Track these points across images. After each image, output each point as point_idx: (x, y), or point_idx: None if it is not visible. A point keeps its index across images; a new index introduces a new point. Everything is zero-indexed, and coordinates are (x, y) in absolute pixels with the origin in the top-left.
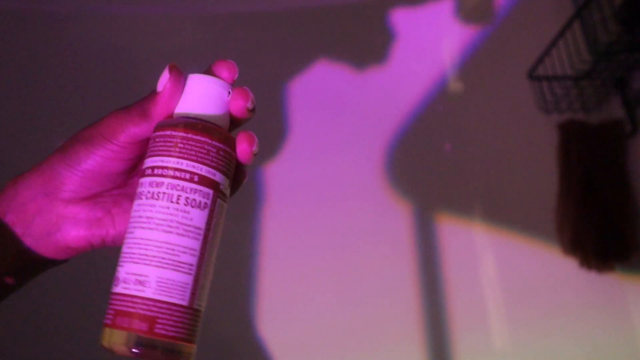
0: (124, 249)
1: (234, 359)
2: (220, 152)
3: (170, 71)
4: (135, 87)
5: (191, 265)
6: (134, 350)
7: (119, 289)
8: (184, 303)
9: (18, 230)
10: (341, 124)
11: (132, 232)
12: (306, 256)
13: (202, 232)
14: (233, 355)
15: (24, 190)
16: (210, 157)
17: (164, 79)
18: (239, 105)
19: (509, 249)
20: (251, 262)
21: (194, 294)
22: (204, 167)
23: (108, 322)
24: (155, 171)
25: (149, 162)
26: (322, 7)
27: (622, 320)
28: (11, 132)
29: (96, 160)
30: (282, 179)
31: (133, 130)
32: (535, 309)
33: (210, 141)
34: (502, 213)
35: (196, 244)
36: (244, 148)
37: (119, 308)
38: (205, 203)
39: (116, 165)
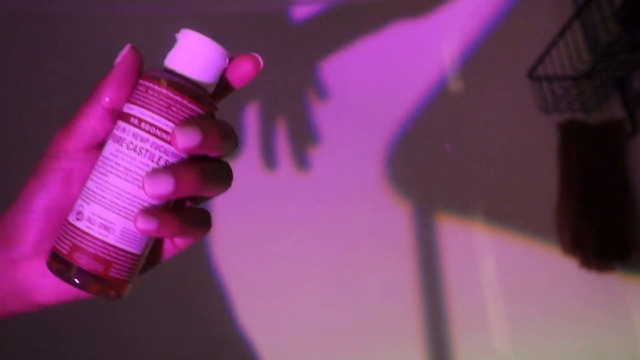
0: (92, 185)
1: None
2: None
3: (130, 49)
4: None
5: None
6: (76, 280)
7: (81, 225)
8: (138, 252)
9: None
10: (341, 123)
11: (104, 175)
12: (305, 255)
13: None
14: (232, 356)
15: None
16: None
17: (122, 53)
18: (247, 70)
19: (509, 249)
20: (250, 262)
21: (147, 244)
22: None
23: (63, 251)
24: (143, 125)
25: (137, 111)
26: (321, 7)
27: (622, 320)
28: (11, 132)
29: (51, 192)
30: (281, 178)
31: (84, 127)
32: (535, 309)
33: (200, 111)
34: (502, 213)
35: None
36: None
37: (78, 244)
38: None
39: (76, 189)
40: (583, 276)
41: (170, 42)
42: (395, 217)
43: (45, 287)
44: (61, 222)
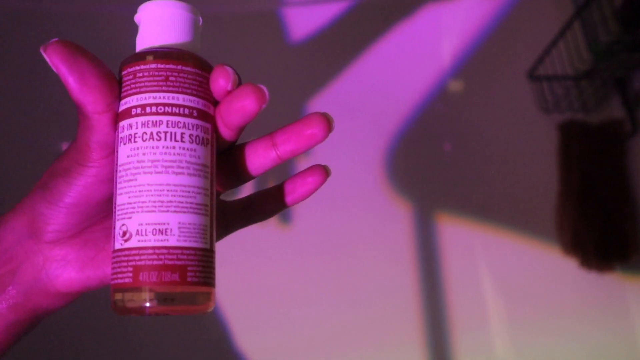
0: (123, 199)
1: None
2: (206, 82)
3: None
4: None
5: (206, 205)
6: (162, 305)
7: (132, 243)
8: (207, 246)
9: (5, 281)
10: (341, 123)
11: (133, 180)
12: (305, 256)
13: (209, 169)
14: (232, 357)
15: (8, 233)
16: (203, 90)
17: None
18: (220, 85)
19: (509, 249)
20: (249, 262)
21: (212, 235)
22: (201, 101)
23: (126, 281)
24: (148, 109)
25: (134, 100)
26: (320, 7)
27: (622, 320)
28: (11, 132)
29: (78, 191)
30: (281, 179)
31: (98, 139)
32: (535, 309)
33: (199, 72)
34: (502, 213)
35: (207, 183)
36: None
37: (140, 263)
38: (207, 139)
39: (100, 191)
40: (583, 276)
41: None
42: (395, 217)
43: (71, 274)
44: (89, 214)
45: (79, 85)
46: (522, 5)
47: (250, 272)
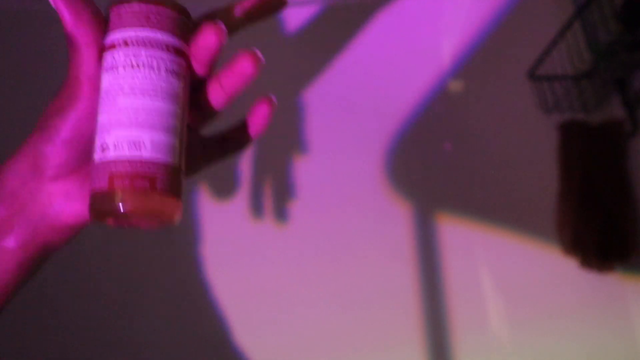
0: (104, 118)
1: None
2: (187, 26)
3: None
4: None
5: (177, 128)
6: (133, 208)
7: (109, 154)
8: (176, 164)
9: (13, 221)
10: (341, 123)
11: (113, 103)
12: (304, 256)
13: (181, 99)
14: (231, 358)
15: (13, 177)
16: (180, 30)
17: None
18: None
19: (509, 249)
20: (249, 262)
21: (180, 155)
22: (176, 40)
23: (103, 188)
24: (130, 41)
25: (117, 35)
26: (318, 7)
27: (622, 320)
28: (11, 132)
29: (72, 125)
30: (280, 179)
31: (86, 71)
32: (535, 309)
33: (179, 16)
34: (502, 213)
35: (179, 109)
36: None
37: (115, 171)
38: (180, 73)
39: (93, 125)
40: (583, 276)
41: None
42: (395, 217)
43: (75, 207)
44: (85, 147)
45: (74, 19)
46: (522, 5)
47: (248, 272)
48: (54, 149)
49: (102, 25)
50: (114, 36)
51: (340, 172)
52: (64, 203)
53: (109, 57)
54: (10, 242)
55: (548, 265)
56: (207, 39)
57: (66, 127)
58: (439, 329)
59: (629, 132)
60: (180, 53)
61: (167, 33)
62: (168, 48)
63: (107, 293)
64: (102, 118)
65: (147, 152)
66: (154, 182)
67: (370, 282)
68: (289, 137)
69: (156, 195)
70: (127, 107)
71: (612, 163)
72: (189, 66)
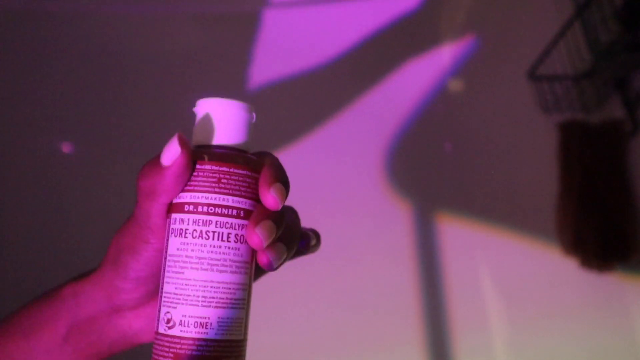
0: (170, 288)
1: None
2: (256, 181)
3: (182, 145)
4: (136, 87)
5: (244, 299)
6: None
7: (175, 331)
8: (241, 337)
9: (90, 342)
10: (341, 123)
11: (180, 273)
12: (304, 256)
13: (249, 265)
14: None
15: (89, 303)
16: (250, 190)
17: (173, 153)
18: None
19: (509, 249)
20: None
21: (246, 325)
22: (248, 201)
23: None
24: (200, 209)
25: (189, 197)
26: (318, 7)
27: (622, 320)
28: (11, 132)
29: (144, 263)
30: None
31: (154, 221)
32: (535, 309)
33: (249, 173)
34: (502, 213)
35: (247, 279)
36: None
37: (180, 352)
38: None
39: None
40: (583, 276)
41: (171, 42)
42: (395, 217)
43: (151, 328)
44: (157, 279)
45: (147, 172)
46: (523, 5)
47: None
48: (129, 286)
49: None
50: (185, 197)
51: (340, 172)
52: (142, 324)
53: (177, 219)
54: (83, 354)
55: (548, 265)
56: (269, 206)
57: (139, 267)
58: (438, 328)
59: (629, 132)
60: (249, 213)
61: (238, 197)
62: (239, 213)
63: None
64: (168, 287)
65: (213, 332)
66: None
67: (370, 282)
68: (288, 137)
69: None
70: (195, 281)
71: (612, 163)
72: None
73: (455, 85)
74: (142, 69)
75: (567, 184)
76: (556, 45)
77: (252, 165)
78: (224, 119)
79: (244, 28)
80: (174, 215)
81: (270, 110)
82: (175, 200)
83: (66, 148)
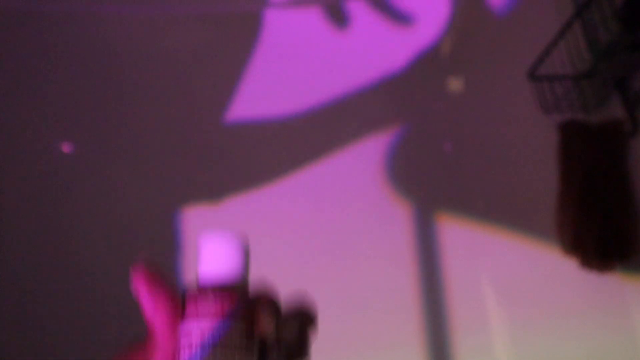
0: None
1: None
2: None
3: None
4: (136, 87)
5: None
6: None
7: None
8: None
9: None
10: (341, 123)
11: None
12: (304, 256)
13: None
14: None
15: None
16: (250, 313)
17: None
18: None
19: (509, 249)
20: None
21: None
22: (249, 324)
23: None
24: (206, 339)
25: (194, 325)
26: (317, 7)
27: (623, 320)
28: (11, 132)
29: None
30: (281, 179)
31: (164, 354)
32: (535, 310)
33: (250, 300)
34: (502, 213)
35: None
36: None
37: None
38: (252, 349)
39: None
40: (583, 276)
41: (171, 42)
42: (395, 217)
43: None
44: None
45: (153, 307)
46: (522, 5)
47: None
48: None
49: (179, 309)
50: (190, 327)
51: (340, 172)
52: None
53: (187, 349)
54: None
55: (548, 265)
56: (265, 328)
57: None
58: (439, 329)
59: (629, 132)
60: (251, 332)
61: (240, 322)
62: (242, 336)
63: (107, 293)
64: None
65: None
66: None
67: (370, 282)
68: (288, 137)
69: None
70: None
71: (612, 163)
72: (259, 334)
73: (455, 85)
74: (142, 69)
75: (567, 184)
76: (556, 45)
77: (244, 296)
78: (223, 255)
79: (244, 28)
80: (182, 345)
81: (270, 110)
82: (183, 329)
83: (66, 148)
